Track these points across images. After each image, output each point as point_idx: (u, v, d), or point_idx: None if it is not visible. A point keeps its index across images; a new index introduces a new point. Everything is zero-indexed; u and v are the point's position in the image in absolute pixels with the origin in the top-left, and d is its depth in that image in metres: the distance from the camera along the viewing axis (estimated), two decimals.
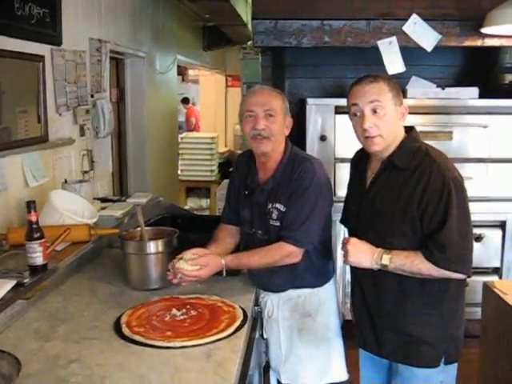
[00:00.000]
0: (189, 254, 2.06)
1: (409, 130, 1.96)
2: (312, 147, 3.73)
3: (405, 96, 3.80)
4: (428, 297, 1.89)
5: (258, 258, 2.09)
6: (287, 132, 2.17)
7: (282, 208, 2.11)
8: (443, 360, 1.92)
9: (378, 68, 3.48)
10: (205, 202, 7.40)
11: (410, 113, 1.96)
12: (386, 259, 1.83)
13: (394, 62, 3.58)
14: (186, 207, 6.60)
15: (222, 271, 2.05)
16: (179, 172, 6.80)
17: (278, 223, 2.12)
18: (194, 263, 2.02)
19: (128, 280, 2.32)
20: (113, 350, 1.76)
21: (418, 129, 2.01)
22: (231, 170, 2.41)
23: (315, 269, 2.22)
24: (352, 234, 2.05)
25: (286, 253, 2.09)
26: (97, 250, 2.71)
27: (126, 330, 1.86)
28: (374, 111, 1.85)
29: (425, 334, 1.90)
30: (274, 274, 2.16)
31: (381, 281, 1.93)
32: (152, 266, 2.26)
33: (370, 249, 1.87)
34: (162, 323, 1.92)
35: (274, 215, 2.13)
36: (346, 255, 1.89)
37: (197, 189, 7.35)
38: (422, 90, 3.79)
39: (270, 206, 2.14)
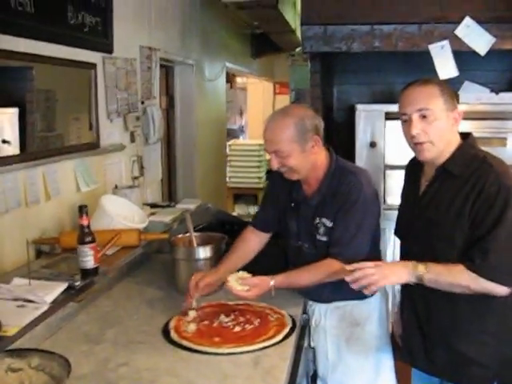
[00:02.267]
0: (241, 272, 2.05)
1: (465, 136, 1.89)
2: (361, 154, 3.68)
3: (457, 101, 3.73)
4: (477, 315, 1.80)
5: (307, 277, 2.05)
6: (316, 149, 2.07)
7: (328, 223, 2.08)
8: (495, 383, 1.83)
9: (429, 73, 3.41)
10: (252, 209, 7.41)
11: (462, 119, 1.89)
12: (421, 268, 1.74)
13: (446, 67, 3.51)
14: (234, 214, 6.62)
15: (271, 292, 2.03)
16: (227, 179, 6.83)
17: (324, 238, 2.10)
18: (243, 283, 2.00)
19: (177, 285, 2.33)
20: (161, 354, 1.77)
21: None
22: (269, 179, 2.38)
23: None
24: (402, 243, 2.00)
25: (335, 270, 2.06)
26: (146, 255, 2.74)
27: (174, 335, 1.87)
28: (423, 116, 1.79)
29: (476, 353, 1.81)
30: (321, 287, 2.11)
31: (433, 296, 1.85)
32: (199, 271, 2.26)
33: (402, 263, 1.81)
34: (210, 329, 1.93)
35: (321, 230, 2.10)
36: (371, 281, 1.76)
37: (244, 196, 7.35)
38: (474, 95, 3.69)
39: (316, 220, 2.11)
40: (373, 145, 3.67)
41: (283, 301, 2.07)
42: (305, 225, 2.16)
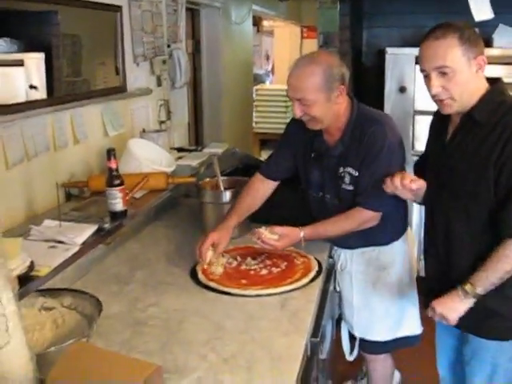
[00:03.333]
0: (264, 227, 2.03)
1: (494, 82, 1.78)
2: (390, 99, 3.63)
3: (490, 45, 3.62)
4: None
5: (336, 228, 2.05)
6: (340, 99, 2.01)
7: (354, 172, 2.05)
8: None
9: (462, 16, 3.28)
10: None
11: (494, 63, 1.80)
12: (469, 288, 1.72)
13: (480, 8, 3.37)
14: (261, 159, 6.62)
15: (301, 242, 2.03)
16: (254, 124, 6.79)
17: (350, 187, 2.07)
18: (272, 231, 2.00)
19: (204, 228, 2.35)
20: (189, 295, 1.80)
21: (504, 80, 1.85)
22: (287, 125, 2.30)
23: (389, 227, 2.17)
24: (427, 193, 1.95)
25: (365, 218, 2.05)
26: (174, 199, 2.75)
27: (202, 277, 1.90)
28: (443, 73, 1.69)
29: (499, 305, 1.78)
30: (346, 235, 2.12)
31: (456, 245, 1.82)
32: (222, 215, 2.27)
33: (449, 297, 1.77)
34: (236, 271, 1.95)
35: (347, 179, 2.07)
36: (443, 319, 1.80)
37: (271, 141, 7.29)
38: (509, 40, 3.58)
39: (341, 170, 2.08)
40: (402, 90, 3.61)
41: (309, 245, 2.07)
42: (329, 175, 2.13)
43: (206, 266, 1.95)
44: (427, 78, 1.74)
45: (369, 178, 2.02)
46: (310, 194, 2.23)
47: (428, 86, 1.76)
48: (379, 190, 1.98)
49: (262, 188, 2.25)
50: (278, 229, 1.98)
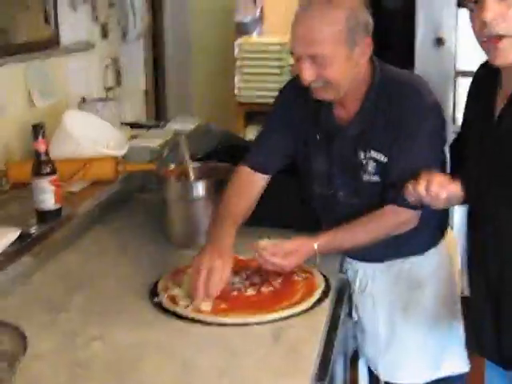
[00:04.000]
0: (266, 240, 2.01)
1: None
2: (423, 56, 3.65)
3: None
4: None
5: (363, 235, 2.03)
6: (364, 58, 2.00)
7: (381, 158, 2.03)
8: None
9: None
10: None
11: None
12: None
13: None
14: (247, 138, 6.60)
15: (315, 258, 2.01)
16: (236, 91, 6.77)
17: (376, 178, 2.05)
18: (277, 247, 1.98)
19: (168, 234, 2.36)
20: (148, 325, 1.79)
21: None
22: (280, 93, 2.29)
23: (425, 230, 2.15)
24: (468, 186, 1.93)
25: (402, 220, 2.03)
26: (126, 194, 2.75)
27: (165, 300, 1.89)
28: None
29: None
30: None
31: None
32: (200, 216, 2.29)
33: None
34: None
35: (371, 167, 2.05)
36: None
37: (259, 114, 7.28)
38: None
39: (361, 155, 2.06)
40: (440, 42, 3.63)
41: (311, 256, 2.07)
42: (342, 164, 2.11)
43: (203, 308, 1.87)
44: (477, 4, 1.66)
45: (405, 165, 2.00)
46: (315, 191, 2.22)
47: (476, 20, 1.68)
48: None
49: (252, 185, 2.22)
50: (283, 245, 1.97)
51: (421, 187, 1.81)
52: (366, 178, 2.08)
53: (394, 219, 2.04)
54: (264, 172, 2.23)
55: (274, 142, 2.24)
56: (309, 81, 1.97)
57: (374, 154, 2.05)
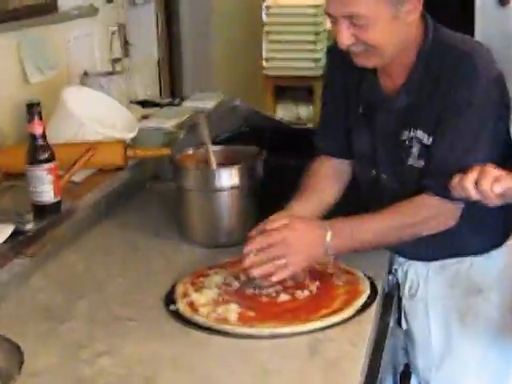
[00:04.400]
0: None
1: None
2: (485, 16, 3.63)
3: None
4: None
5: (388, 225, 2.03)
6: (414, 15, 1.99)
7: (425, 139, 2.04)
8: None
9: None
10: (305, 110, 7.34)
11: None
12: None
13: None
14: (277, 117, 6.60)
15: (329, 259, 2.02)
16: (264, 62, 6.77)
17: (421, 163, 2.06)
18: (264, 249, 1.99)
19: (186, 231, 2.39)
20: (163, 337, 1.81)
21: None
22: (327, 60, 2.33)
23: (486, 227, 2.16)
24: None
25: (437, 213, 2.03)
26: (137, 184, 2.79)
27: (183, 308, 1.91)
28: None
29: None
30: (420, 239, 2.11)
31: None
32: (224, 210, 2.33)
33: None
34: (240, 298, 1.96)
35: (415, 151, 2.05)
36: None
37: (293, 89, 7.29)
38: None
39: (405, 135, 2.06)
40: (503, 1, 3.61)
41: (355, 254, 2.08)
42: (385, 142, 2.14)
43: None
44: None
45: (448, 146, 2.01)
46: (360, 171, 2.27)
47: None
48: (464, 164, 1.92)
49: (329, 176, 2.30)
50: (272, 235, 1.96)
51: (469, 181, 1.80)
52: (410, 162, 2.09)
53: (426, 211, 2.03)
54: (335, 155, 2.32)
55: (331, 121, 2.31)
56: (346, 45, 1.97)
57: (419, 133, 2.05)
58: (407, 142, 2.08)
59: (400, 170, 2.12)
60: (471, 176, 1.79)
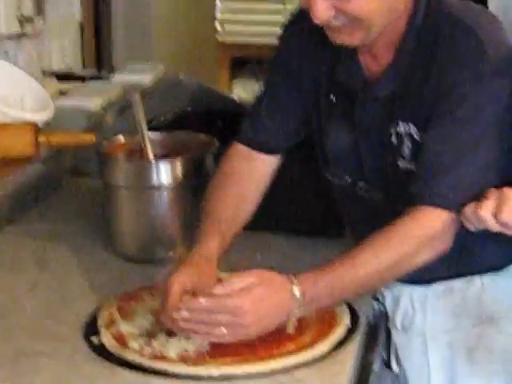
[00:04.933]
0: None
1: None
2: None
3: None
4: None
5: (373, 265, 1.94)
6: None
7: (417, 135, 2.05)
8: None
9: None
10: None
11: None
12: None
13: None
14: (233, 96, 6.62)
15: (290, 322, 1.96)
16: (217, 26, 6.80)
17: (414, 165, 2.06)
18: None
19: (113, 241, 2.39)
20: (81, 378, 1.80)
21: None
22: (284, 32, 2.28)
23: (498, 239, 2.18)
24: None
25: (438, 229, 1.98)
26: (51, 180, 2.79)
27: (109, 340, 1.90)
28: None
29: None
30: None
31: None
32: (162, 213, 2.32)
33: None
34: None
35: (406, 149, 2.05)
36: None
37: (251, 61, 7.33)
38: None
39: (393, 130, 2.05)
40: None
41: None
42: (365, 140, 2.13)
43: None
44: None
45: (442, 143, 1.99)
46: (331, 178, 2.25)
47: None
48: (463, 167, 1.95)
49: (253, 172, 2.25)
50: (238, 283, 1.89)
51: (487, 211, 1.80)
52: (399, 164, 2.08)
53: (430, 229, 1.98)
54: (270, 151, 2.26)
55: (280, 106, 2.27)
56: (324, 19, 1.95)
57: (411, 128, 2.04)
58: (395, 139, 2.06)
59: (385, 175, 2.11)
60: (489, 204, 1.78)
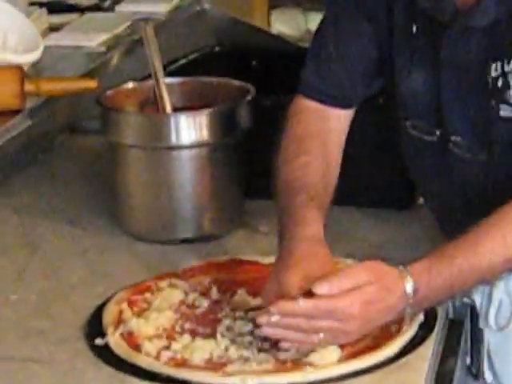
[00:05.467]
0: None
1: None
2: None
3: None
4: None
5: (496, 255, 1.92)
6: None
7: None
8: None
9: None
10: (318, 20, 7.39)
11: None
12: None
13: None
14: (272, 31, 6.63)
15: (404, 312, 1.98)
16: None
17: None
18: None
19: (121, 216, 2.40)
20: None
21: None
22: None
23: None
24: None
25: None
26: (42, 138, 2.80)
27: (117, 342, 1.90)
28: None
29: None
30: None
31: None
32: (185, 180, 2.32)
33: None
34: (209, 327, 1.98)
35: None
36: None
37: None
38: None
39: (494, 69, 2.03)
40: None
41: (402, 251, 2.11)
42: (458, 82, 2.12)
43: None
44: None
45: None
46: (410, 135, 2.24)
47: None
48: None
49: (332, 132, 2.27)
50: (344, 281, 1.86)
51: None
52: (503, 113, 2.06)
53: None
54: (346, 105, 2.27)
55: (352, 44, 2.26)
56: None
57: None
58: (498, 82, 2.05)
59: (486, 128, 2.09)
60: None
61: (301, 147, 2.18)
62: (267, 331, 1.81)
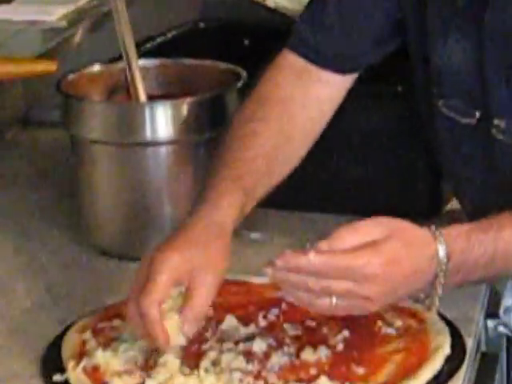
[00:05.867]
0: None
1: None
2: None
3: None
4: None
5: None
6: None
7: None
8: None
9: None
10: None
11: None
12: None
13: None
14: (267, 3, 6.64)
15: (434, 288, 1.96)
16: None
17: None
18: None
19: (87, 227, 2.39)
20: None
21: None
22: None
23: None
24: None
25: None
26: None
27: (79, 379, 1.89)
28: None
29: None
30: None
31: None
32: (160, 182, 2.33)
33: None
34: (195, 361, 1.96)
35: None
36: None
37: None
38: None
39: None
40: None
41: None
42: (504, 58, 2.12)
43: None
44: None
45: None
46: (444, 115, 2.24)
47: None
48: None
49: (310, 98, 2.26)
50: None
51: None
52: None
53: None
54: (340, 69, 2.26)
55: (354, 8, 2.26)
56: None
57: None
58: None
59: None
60: None
61: (257, 112, 2.18)
62: (287, 295, 1.83)
